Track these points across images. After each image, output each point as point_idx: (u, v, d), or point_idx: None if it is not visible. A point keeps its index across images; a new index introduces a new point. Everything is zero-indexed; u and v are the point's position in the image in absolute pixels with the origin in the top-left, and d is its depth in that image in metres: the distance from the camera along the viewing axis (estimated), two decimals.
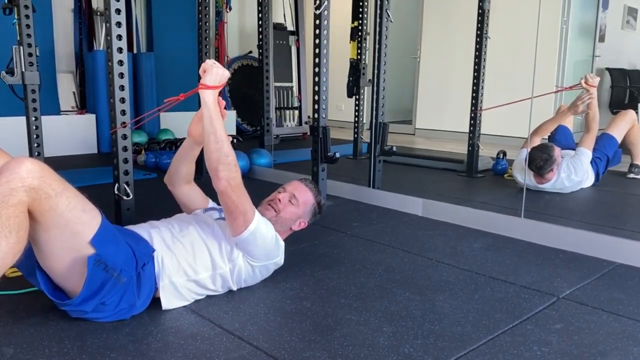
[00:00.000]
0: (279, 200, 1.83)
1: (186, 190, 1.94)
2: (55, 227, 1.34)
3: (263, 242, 1.67)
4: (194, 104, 4.03)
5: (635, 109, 3.88)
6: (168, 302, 1.59)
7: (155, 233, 1.64)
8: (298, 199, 1.84)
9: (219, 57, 5.78)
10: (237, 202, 1.58)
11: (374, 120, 3.24)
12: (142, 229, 1.67)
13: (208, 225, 1.72)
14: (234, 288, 1.72)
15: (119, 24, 2.13)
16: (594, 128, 3.39)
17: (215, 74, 1.58)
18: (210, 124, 1.57)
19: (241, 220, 1.60)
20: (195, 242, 1.64)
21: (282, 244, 1.78)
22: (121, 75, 2.16)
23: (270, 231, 1.69)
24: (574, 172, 3.29)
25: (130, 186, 2.23)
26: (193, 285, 1.63)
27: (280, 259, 1.78)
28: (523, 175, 3.25)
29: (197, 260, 1.62)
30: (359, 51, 4.44)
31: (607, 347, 1.44)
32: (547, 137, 3.74)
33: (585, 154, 3.33)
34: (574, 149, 3.50)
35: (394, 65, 3.69)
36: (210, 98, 1.58)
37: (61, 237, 1.36)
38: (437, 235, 2.49)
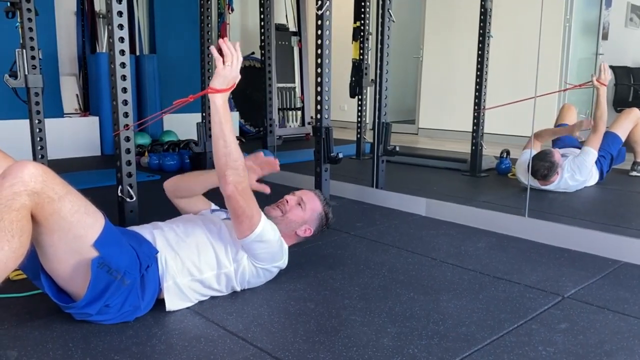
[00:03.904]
0: (287, 201, 1.84)
1: (193, 201, 1.97)
2: (59, 231, 1.34)
3: (268, 245, 1.67)
4: (198, 105, 4.05)
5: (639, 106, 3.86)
6: (172, 303, 1.59)
7: (159, 234, 1.64)
8: (306, 204, 1.85)
9: None
10: (244, 206, 1.58)
11: (376, 120, 3.23)
12: (145, 230, 1.67)
13: (215, 224, 1.72)
14: (238, 289, 1.72)
15: (121, 26, 2.13)
16: (601, 127, 3.35)
17: (222, 76, 1.56)
18: (220, 128, 1.56)
19: (247, 224, 1.61)
20: (200, 242, 1.65)
21: (286, 246, 1.78)
22: (124, 77, 2.16)
23: (275, 234, 1.69)
24: (578, 172, 3.28)
25: (134, 188, 2.23)
26: (197, 285, 1.63)
27: (283, 262, 1.78)
28: (526, 177, 3.24)
29: (202, 259, 1.63)
30: (362, 51, 4.44)
31: (613, 346, 1.43)
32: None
33: (591, 153, 3.31)
34: (578, 147, 3.49)
35: (397, 65, 3.68)
36: (219, 102, 1.56)
37: (64, 240, 1.36)
38: (440, 235, 2.49)
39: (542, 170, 3.21)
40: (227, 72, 1.56)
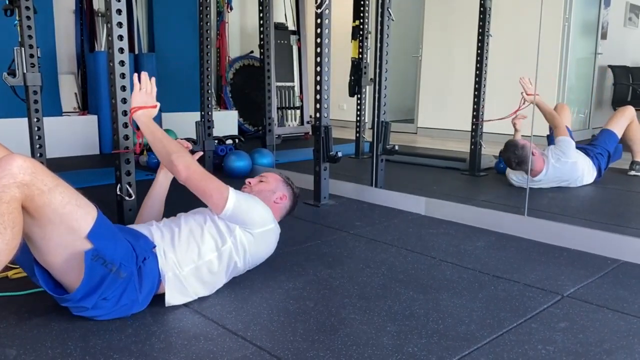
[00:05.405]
0: (249, 182, 1.95)
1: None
2: (51, 223, 1.34)
3: (249, 206, 1.70)
4: (197, 104, 4.04)
5: (638, 106, 3.88)
6: (172, 297, 1.59)
7: (155, 229, 1.66)
8: (267, 177, 1.96)
9: (220, 57, 5.77)
10: (203, 182, 1.67)
11: (376, 119, 3.23)
12: (141, 227, 1.69)
13: (202, 213, 1.75)
14: (240, 265, 1.71)
15: (120, 25, 2.13)
16: (557, 122, 3.49)
17: (135, 97, 1.84)
18: (152, 136, 1.75)
19: (217, 196, 1.66)
20: (194, 229, 1.67)
21: (269, 209, 1.79)
22: (122, 75, 2.16)
23: (253, 197, 1.76)
24: (563, 155, 3.36)
25: (133, 187, 2.23)
26: (199, 272, 1.62)
27: (276, 226, 1.80)
28: (515, 175, 3.41)
29: (201, 244, 1.63)
30: (361, 50, 4.44)
31: (613, 345, 1.43)
32: (546, 135, 3.74)
33: (563, 139, 3.41)
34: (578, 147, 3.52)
35: (396, 64, 3.67)
36: (141, 119, 1.81)
37: (57, 233, 1.36)
38: (440, 234, 2.49)
39: (514, 158, 3.32)
40: (139, 95, 1.85)
